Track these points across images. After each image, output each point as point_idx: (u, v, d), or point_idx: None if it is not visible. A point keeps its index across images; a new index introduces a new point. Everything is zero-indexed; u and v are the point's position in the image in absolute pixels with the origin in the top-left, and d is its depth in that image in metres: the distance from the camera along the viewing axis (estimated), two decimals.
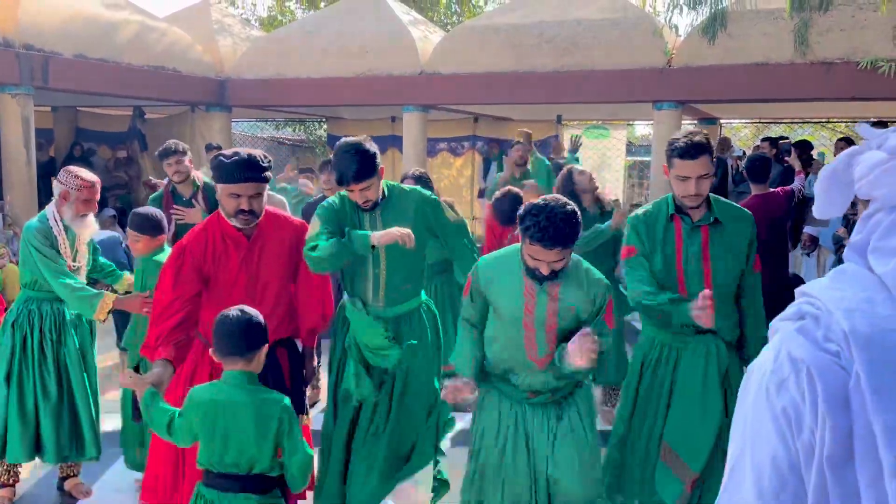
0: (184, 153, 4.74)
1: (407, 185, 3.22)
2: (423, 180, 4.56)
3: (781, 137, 8.67)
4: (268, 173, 2.82)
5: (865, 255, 0.87)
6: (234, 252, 2.85)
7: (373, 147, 2.93)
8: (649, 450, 2.96)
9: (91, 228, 3.55)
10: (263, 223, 2.89)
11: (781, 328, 0.90)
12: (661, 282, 2.87)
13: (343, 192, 3.03)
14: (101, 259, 3.79)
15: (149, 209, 3.65)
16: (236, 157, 2.73)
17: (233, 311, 2.39)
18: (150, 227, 3.53)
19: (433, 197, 3.16)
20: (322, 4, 16.57)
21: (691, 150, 2.73)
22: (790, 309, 0.92)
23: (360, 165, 2.86)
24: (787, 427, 0.85)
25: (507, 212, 4.48)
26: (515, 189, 4.68)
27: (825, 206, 0.94)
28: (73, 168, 3.56)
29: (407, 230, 2.76)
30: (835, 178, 0.91)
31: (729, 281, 2.86)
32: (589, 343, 2.37)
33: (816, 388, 0.81)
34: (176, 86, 9.73)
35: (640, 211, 3.01)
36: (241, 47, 11.07)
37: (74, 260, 3.52)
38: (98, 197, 3.55)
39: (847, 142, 8.01)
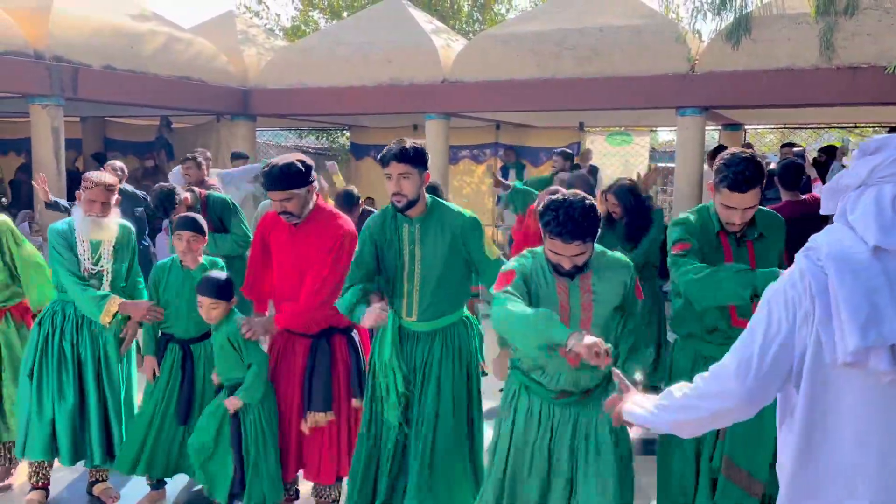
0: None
1: (454, 205, 3.22)
2: (434, 189, 4.67)
3: (793, 144, 8.57)
4: (299, 177, 3.21)
5: (844, 217, 1.60)
6: (286, 234, 3.37)
7: (426, 149, 3.12)
8: (687, 459, 2.89)
9: (101, 231, 3.53)
10: (312, 218, 3.32)
11: (797, 257, 1.61)
12: None
13: (388, 206, 3.14)
14: (137, 277, 3.79)
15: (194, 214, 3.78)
16: (267, 170, 3.22)
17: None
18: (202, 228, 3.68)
19: (477, 222, 3.16)
20: (345, 14, 16.71)
21: (743, 184, 2.61)
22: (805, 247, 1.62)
23: (405, 148, 2.98)
24: (791, 305, 1.56)
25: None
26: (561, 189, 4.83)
27: (826, 205, 1.67)
28: (91, 172, 3.66)
29: (381, 317, 2.97)
30: (831, 186, 1.65)
31: None
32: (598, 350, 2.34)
33: (809, 283, 1.54)
34: (201, 95, 9.87)
35: (689, 217, 2.90)
36: (265, 57, 11.20)
37: (97, 264, 3.54)
38: (108, 198, 3.54)
39: None
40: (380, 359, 3.13)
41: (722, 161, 2.70)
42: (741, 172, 2.61)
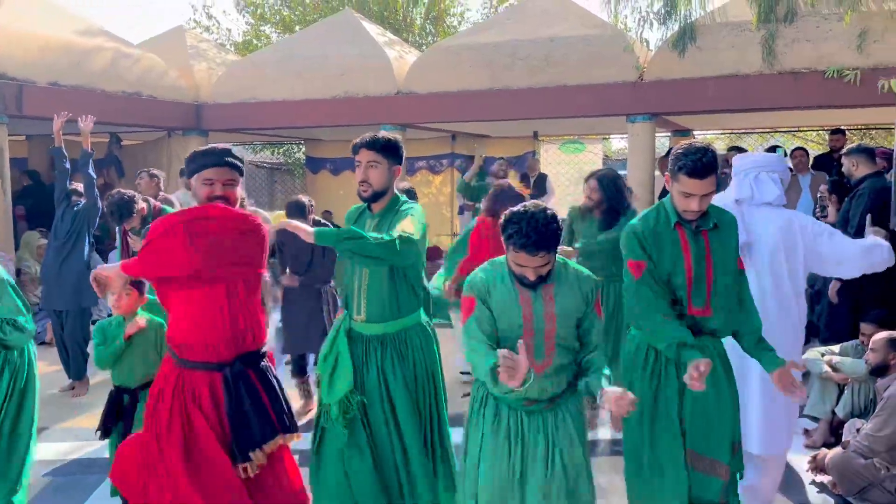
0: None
1: (407, 199, 3.14)
2: (407, 193, 4.69)
3: (739, 148, 8.84)
4: (241, 167, 2.71)
5: (729, 190, 3.65)
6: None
7: (400, 142, 3.05)
8: (657, 456, 2.93)
9: None
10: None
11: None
12: (670, 290, 2.89)
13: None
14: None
15: None
16: (209, 147, 2.69)
17: None
18: None
19: (406, 206, 3.04)
20: (297, 28, 16.64)
21: (701, 170, 2.72)
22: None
23: (376, 137, 2.97)
24: None
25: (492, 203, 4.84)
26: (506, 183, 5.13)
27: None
28: None
29: (302, 227, 2.69)
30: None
31: (728, 282, 2.92)
32: (625, 403, 2.39)
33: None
34: (152, 111, 9.72)
35: (640, 221, 2.96)
36: (216, 72, 11.08)
37: None
38: None
39: (803, 151, 8.29)
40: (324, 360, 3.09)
41: (679, 150, 2.81)
42: (699, 159, 2.72)
